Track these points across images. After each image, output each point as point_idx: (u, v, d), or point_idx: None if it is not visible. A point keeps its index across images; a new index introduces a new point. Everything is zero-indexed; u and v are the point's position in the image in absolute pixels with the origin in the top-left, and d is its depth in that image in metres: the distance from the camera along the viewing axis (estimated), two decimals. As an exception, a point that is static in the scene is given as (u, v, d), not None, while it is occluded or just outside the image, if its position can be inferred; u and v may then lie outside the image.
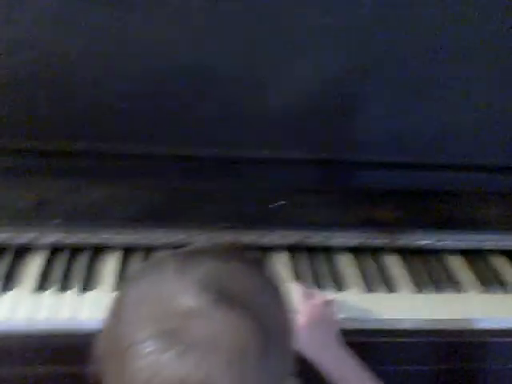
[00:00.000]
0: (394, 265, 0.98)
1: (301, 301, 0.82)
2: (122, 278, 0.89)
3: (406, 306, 0.89)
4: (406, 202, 0.99)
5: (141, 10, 0.90)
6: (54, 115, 0.95)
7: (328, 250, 0.99)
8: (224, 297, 0.43)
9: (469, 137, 1.01)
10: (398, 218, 0.97)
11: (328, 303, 0.82)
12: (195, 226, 0.95)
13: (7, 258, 0.90)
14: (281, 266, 0.95)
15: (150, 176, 1.00)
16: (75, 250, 0.93)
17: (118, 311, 0.48)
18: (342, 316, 0.84)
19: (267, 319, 0.45)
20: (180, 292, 0.44)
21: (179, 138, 1.00)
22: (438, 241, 0.97)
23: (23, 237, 0.90)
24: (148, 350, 0.42)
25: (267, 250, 0.98)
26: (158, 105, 0.98)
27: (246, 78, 0.98)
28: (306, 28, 0.95)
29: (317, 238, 0.96)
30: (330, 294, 0.88)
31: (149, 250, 0.96)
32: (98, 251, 0.94)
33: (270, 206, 0.97)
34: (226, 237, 0.95)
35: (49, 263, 0.91)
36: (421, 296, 0.91)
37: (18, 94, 0.93)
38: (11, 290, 0.85)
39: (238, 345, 0.42)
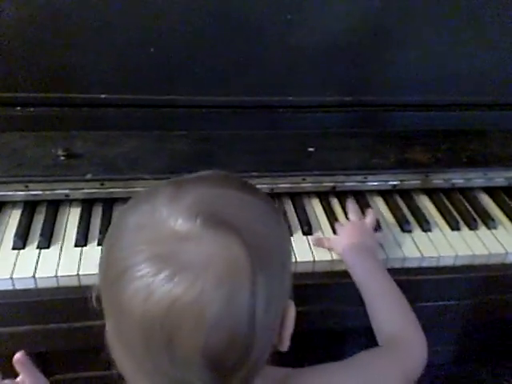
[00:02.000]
0: (427, 205, 0.99)
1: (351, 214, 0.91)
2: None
3: (442, 244, 0.91)
4: (437, 142, 1.00)
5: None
6: (79, 65, 0.92)
7: (358, 195, 1.00)
8: (214, 220, 0.44)
9: (497, 76, 1.01)
10: (430, 158, 0.97)
11: (370, 224, 0.89)
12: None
13: (42, 213, 0.89)
14: (315, 212, 0.96)
15: (178, 126, 0.99)
16: (108, 203, 0.92)
17: (114, 238, 0.48)
18: (382, 256, 0.86)
19: (258, 241, 0.46)
20: (173, 216, 0.45)
21: (204, 85, 0.98)
22: (469, 179, 0.99)
23: (56, 191, 0.88)
24: (142, 272, 0.43)
25: (299, 195, 0.99)
26: (178, 52, 0.95)
27: (271, 20, 0.95)
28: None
29: (350, 182, 0.97)
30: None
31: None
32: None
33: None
34: (258, 184, 0.94)
35: (84, 216, 0.89)
36: (455, 233, 0.93)
37: (42, 43, 0.89)
38: (53, 245, 0.83)
39: (227, 265, 0.43)
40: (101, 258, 0.49)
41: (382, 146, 0.99)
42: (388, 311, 0.74)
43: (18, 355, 0.64)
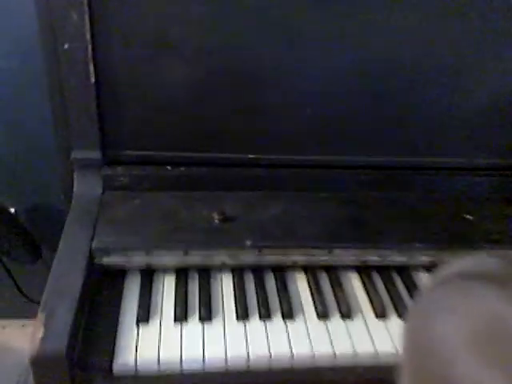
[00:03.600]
0: None
1: None
2: (317, 305, 0.81)
3: None
4: None
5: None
6: (229, 125, 0.88)
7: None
8: None
9: None
10: None
11: None
12: (387, 245, 0.87)
13: (195, 280, 0.83)
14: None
15: (325, 187, 0.94)
16: (259, 270, 0.86)
17: (426, 343, 0.39)
18: None
19: None
20: None
21: (353, 146, 0.94)
22: None
23: (213, 257, 0.83)
24: None
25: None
26: (329, 114, 0.91)
27: (426, 81, 0.90)
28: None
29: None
30: None
31: (334, 269, 0.89)
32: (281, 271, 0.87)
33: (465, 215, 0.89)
34: (423, 257, 0.87)
35: (239, 285, 0.83)
36: None
37: (196, 103, 0.86)
38: (214, 317, 0.77)
39: None
40: (408, 342, 0.42)
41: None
42: None
43: None
